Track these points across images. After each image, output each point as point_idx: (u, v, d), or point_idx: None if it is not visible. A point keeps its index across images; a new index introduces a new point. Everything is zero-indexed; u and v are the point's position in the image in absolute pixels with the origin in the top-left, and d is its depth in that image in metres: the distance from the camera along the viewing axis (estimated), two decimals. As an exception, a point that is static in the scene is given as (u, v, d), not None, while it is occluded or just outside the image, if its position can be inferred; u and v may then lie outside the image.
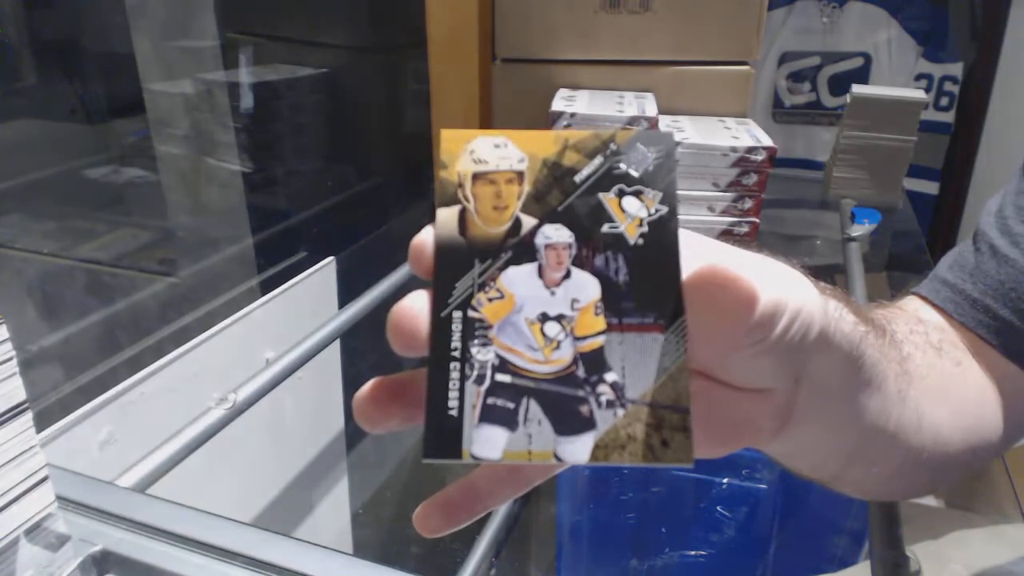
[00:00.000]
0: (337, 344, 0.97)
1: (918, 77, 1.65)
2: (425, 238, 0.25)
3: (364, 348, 1.14)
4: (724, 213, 1.08)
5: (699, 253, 0.25)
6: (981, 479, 0.69)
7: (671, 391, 0.23)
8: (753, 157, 1.04)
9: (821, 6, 1.66)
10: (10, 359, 0.35)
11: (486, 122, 1.26)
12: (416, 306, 0.23)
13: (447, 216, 0.25)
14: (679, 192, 1.16)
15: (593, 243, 0.24)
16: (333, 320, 0.80)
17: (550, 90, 1.15)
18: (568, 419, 0.23)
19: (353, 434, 1.15)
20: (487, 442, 0.22)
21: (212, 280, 1.19)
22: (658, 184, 0.25)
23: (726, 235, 1.09)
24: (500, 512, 0.82)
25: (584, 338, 0.23)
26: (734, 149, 1.04)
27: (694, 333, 0.23)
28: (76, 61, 1.22)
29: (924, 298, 0.45)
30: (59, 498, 0.39)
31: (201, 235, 1.31)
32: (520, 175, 0.25)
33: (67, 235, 1.18)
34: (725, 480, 0.75)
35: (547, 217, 0.25)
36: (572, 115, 1.05)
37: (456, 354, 0.23)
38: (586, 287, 0.24)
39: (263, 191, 1.42)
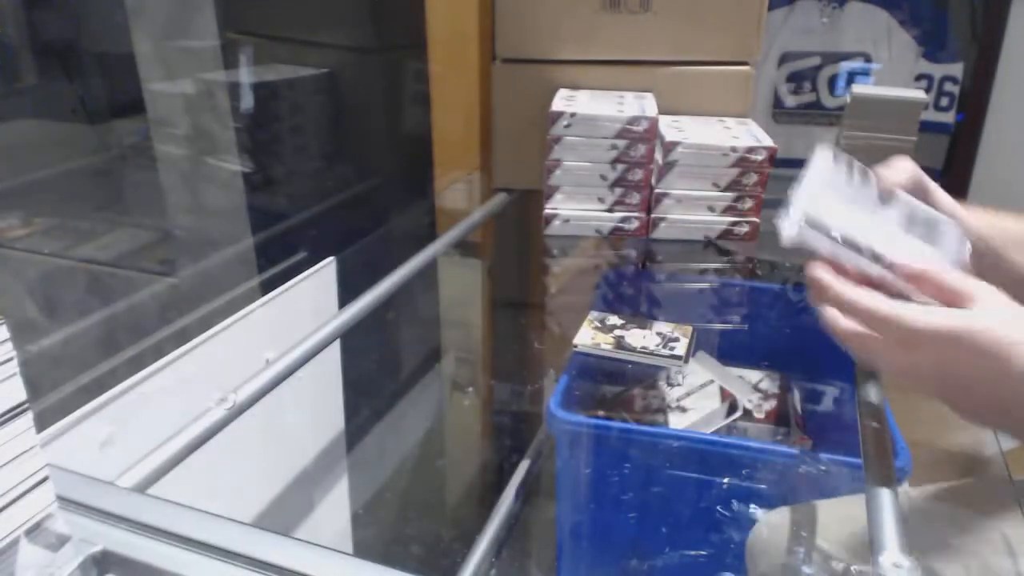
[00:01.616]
0: (337, 344, 0.97)
1: (918, 77, 1.65)
2: None
3: (364, 348, 1.14)
4: (724, 213, 1.08)
5: None
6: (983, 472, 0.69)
7: None
8: (753, 157, 1.04)
9: (821, 6, 1.66)
10: (10, 359, 0.35)
11: (486, 122, 1.26)
12: None
13: None
14: (679, 192, 1.15)
15: None
16: (333, 320, 0.80)
17: (550, 90, 1.15)
18: None
19: (353, 434, 1.15)
20: None
21: (212, 280, 1.19)
22: None
23: (726, 235, 1.09)
24: (500, 512, 0.82)
25: None
26: (734, 149, 1.04)
27: None
28: (76, 61, 1.22)
29: None
30: (59, 498, 0.39)
31: (201, 235, 1.31)
32: None
33: (67, 235, 1.18)
34: (726, 480, 0.75)
35: None
36: (572, 115, 1.05)
37: None
38: None
39: (263, 191, 1.42)
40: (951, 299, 0.47)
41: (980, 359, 0.44)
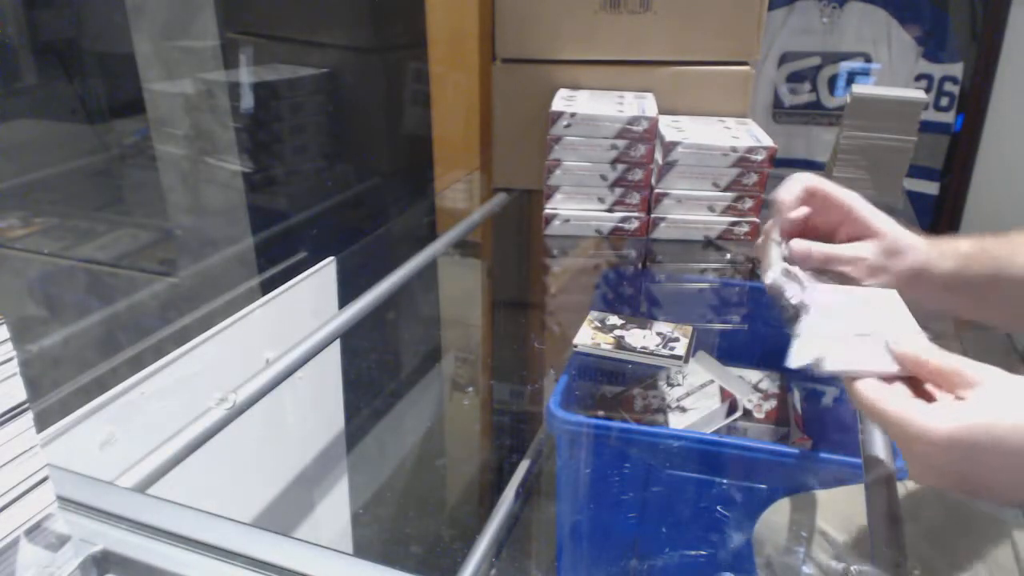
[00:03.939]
0: (337, 344, 0.97)
1: (918, 77, 1.65)
2: None
3: (364, 348, 1.14)
4: (724, 213, 1.08)
5: None
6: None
7: None
8: (753, 157, 1.04)
9: (821, 6, 1.66)
10: (10, 359, 0.35)
11: (486, 122, 1.26)
12: None
13: None
14: (679, 192, 1.16)
15: None
16: (333, 320, 0.80)
17: (550, 90, 1.15)
18: None
19: (353, 434, 1.15)
20: None
21: (212, 280, 1.19)
22: None
23: (726, 235, 1.09)
24: (500, 512, 0.82)
25: None
26: (734, 149, 1.04)
27: None
28: (76, 61, 1.22)
29: None
30: (59, 498, 0.39)
31: (201, 235, 1.31)
32: None
33: (67, 235, 1.18)
34: (725, 480, 0.75)
35: None
36: (572, 115, 1.05)
37: None
38: None
39: (263, 191, 1.42)
40: (954, 383, 0.43)
41: (1002, 451, 0.40)
